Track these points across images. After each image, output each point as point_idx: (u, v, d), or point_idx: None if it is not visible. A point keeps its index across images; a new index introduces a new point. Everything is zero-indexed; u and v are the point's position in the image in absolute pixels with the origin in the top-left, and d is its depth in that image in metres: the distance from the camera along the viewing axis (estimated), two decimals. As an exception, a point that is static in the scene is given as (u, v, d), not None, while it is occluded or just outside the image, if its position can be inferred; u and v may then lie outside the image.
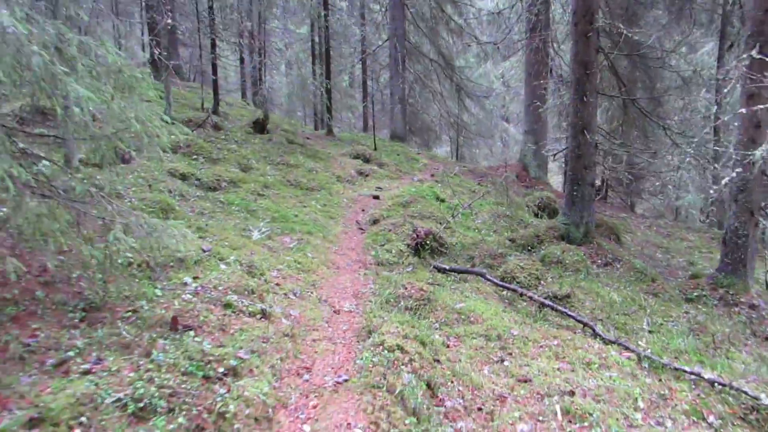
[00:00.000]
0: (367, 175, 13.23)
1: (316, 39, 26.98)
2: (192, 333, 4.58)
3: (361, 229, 9.80)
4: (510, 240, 9.99)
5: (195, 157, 10.36)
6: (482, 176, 16.89)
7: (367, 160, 14.44)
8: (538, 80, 16.48)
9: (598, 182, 20.76)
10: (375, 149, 16.61)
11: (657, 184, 16.97)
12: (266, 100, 13.98)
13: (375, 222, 10.04)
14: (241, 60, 26.74)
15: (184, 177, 9.29)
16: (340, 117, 31.35)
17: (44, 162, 5.77)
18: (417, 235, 8.58)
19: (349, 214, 10.51)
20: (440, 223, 9.97)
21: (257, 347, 4.52)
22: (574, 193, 9.91)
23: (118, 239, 4.29)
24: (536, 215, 13.05)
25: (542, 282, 7.94)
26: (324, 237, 8.52)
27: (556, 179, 25.56)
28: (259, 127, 13.56)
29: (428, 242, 8.55)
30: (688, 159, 10.37)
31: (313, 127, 31.40)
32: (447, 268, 8.02)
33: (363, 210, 10.80)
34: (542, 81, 16.17)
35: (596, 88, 9.76)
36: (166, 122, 5.42)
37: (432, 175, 15.08)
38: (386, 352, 4.65)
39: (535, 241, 9.95)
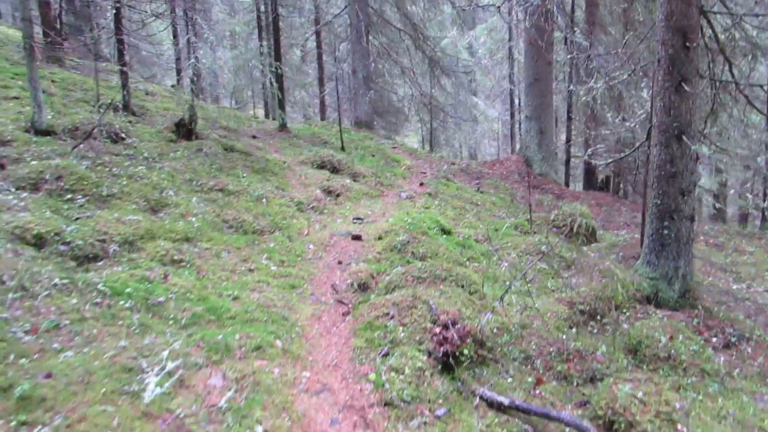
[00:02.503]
0: (338, 195, 9.55)
1: (263, 8, 22.88)
2: None
3: (342, 303, 6.20)
4: (568, 306, 6.55)
5: (68, 197, 6.49)
6: (479, 178, 13.41)
7: (335, 170, 10.73)
8: (548, 52, 12.98)
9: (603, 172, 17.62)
10: (342, 148, 12.89)
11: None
12: (194, 91, 10.10)
13: (363, 288, 6.47)
14: (174, 34, 22.58)
15: (39, 241, 5.46)
16: (293, 98, 27.35)
17: None
18: (444, 338, 5.02)
19: (321, 273, 6.88)
20: (463, 287, 6.44)
21: None
22: (665, 232, 6.52)
23: None
24: (568, 239, 9.67)
25: (680, 426, 4.52)
26: (285, 350, 4.86)
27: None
28: (185, 130, 9.68)
29: (466, 350, 5.02)
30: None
31: (263, 113, 27.34)
32: (506, 403, 4.54)
33: (340, 263, 7.17)
34: (552, 53, 12.71)
35: (698, 68, 6.30)
36: None
37: (421, 184, 11.50)
38: None
39: (606, 307, 6.55)
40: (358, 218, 8.52)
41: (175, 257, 5.94)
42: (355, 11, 18.66)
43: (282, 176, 9.71)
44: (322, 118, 23.86)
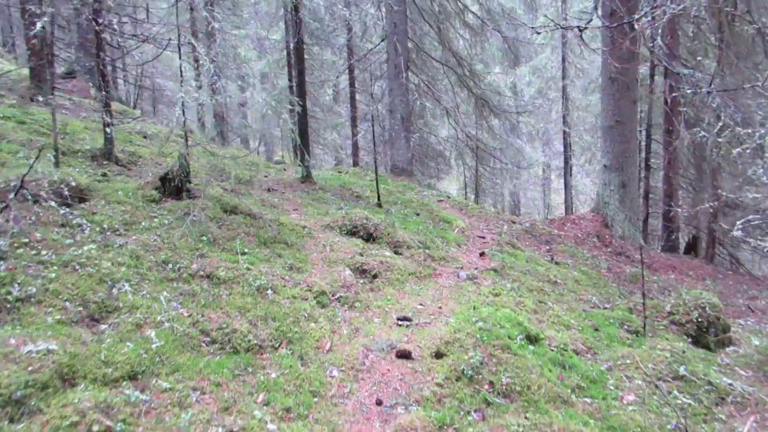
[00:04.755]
0: (374, 277, 6.97)
1: (292, 45, 20.94)
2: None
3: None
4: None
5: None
6: (549, 242, 10.75)
7: (370, 237, 8.18)
8: (633, 90, 10.42)
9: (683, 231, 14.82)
10: (379, 204, 10.40)
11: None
12: (186, 134, 7.80)
13: (418, 463, 3.86)
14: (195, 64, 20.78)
15: None
16: (323, 140, 25.20)
17: None
18: None
19: (350, 426, 4.27)
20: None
21: None
22: None
23: None
24: (695, 341, 6.92)
25: None
26: None
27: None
28: (172, 186, 7.30)
29: None
30: None
31: (291, 155, 25.26)
32: None
33: (380, 403, 4.55)
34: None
35: None
36: None
37: (482, 254, 8.89)
38: None
39: None
40: (405, 318, 5.91)
41: (97, 426, 3.40)
42: (392, 44, 16.45)
43: (299, 248, 7.21)
44: (355, 163, 21.57)
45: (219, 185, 9.25)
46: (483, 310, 6.05)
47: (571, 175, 25.34)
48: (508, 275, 7.98)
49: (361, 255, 7.33)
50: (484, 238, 9.92)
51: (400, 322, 5.82)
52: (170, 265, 5.64)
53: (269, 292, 5.67)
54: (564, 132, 22.25)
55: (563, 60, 21.79)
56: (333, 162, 28.82)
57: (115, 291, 4.86)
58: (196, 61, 18.18)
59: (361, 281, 6.79)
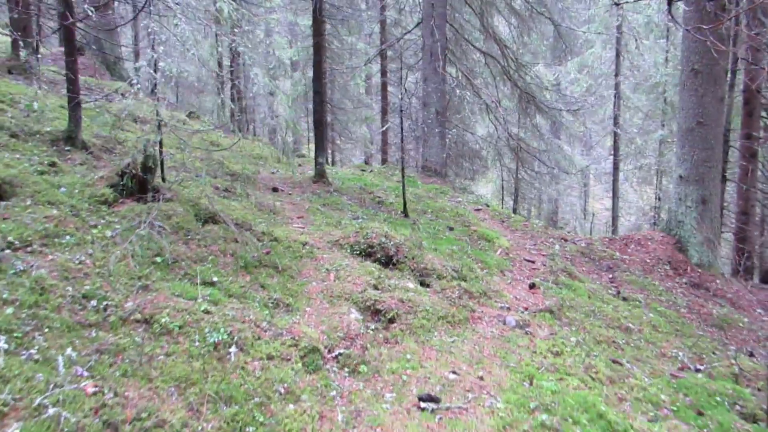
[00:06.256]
0: (390, 321, 5.11)
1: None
2: None
3: None
4: None
5: None
6: (610, 268, 8.78)
7: (390, 261, 6.30)
8: (721, 85, 8.39)
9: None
10: (405, 213, 8.56)
11: None
12: (162, 123, 6.06)
13: None
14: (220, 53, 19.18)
15: None
16: (351, 134, 23.40)
17: None
18: None
19: None
20: None
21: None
22: None
23: None
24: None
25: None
26: None
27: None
28: (134, 183, 5.57)
29: None
30: None
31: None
32: None
33: None
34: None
35: None
36: None
37: (532, 286, 6.97)
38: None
39: None
40: (430, 398, 4.04)
41: None
42: (429, 29, 14.55)
43: (293, 276, 5.40)
44: (383, 160, 19.75)
45: (212, 183, 7.55)
46: (544, 387, 4.18)
47: (616, 183, 23.16)
48: (568, 319, 6.07)
49: (376, 288, 5.49)
50: (533, 262, 7.99)
51: (423, 404, 3.95)
52: (93, 303, 3.88)
53: (232, 350, 3.87)
54: (615, 134, 20.10)
55: (617, 55, 19.63)
56: (362, 158, 27.07)
57: (-17, 355, 3.11)
58: (215, 40, 16.58)
59: (372, 328, 4.94)
